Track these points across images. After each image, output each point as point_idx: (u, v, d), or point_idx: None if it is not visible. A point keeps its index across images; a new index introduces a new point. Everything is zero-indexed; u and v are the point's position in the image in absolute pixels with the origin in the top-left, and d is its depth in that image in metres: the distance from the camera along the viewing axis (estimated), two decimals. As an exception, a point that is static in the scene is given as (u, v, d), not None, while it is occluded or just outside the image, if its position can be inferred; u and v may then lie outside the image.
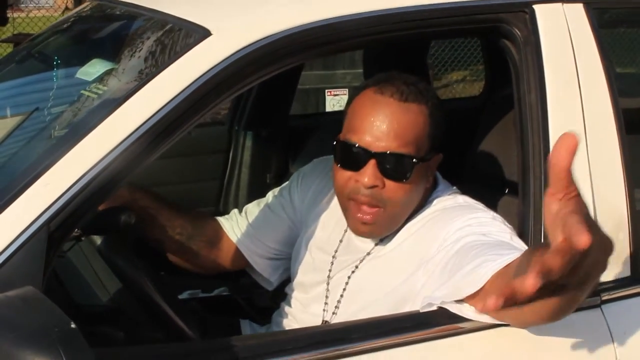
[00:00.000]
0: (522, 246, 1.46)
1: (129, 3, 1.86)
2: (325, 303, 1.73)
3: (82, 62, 1.73)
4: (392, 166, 1.56)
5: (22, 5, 10.74)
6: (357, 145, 1.57)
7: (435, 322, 1.44)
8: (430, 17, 1.57)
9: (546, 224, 1.00)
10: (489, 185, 2.01)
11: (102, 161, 1.29)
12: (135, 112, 1.34)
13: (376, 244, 1.68)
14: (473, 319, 1.41)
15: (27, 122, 1.77)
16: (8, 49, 6.37)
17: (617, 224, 1.57)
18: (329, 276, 1.73)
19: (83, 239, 1.69)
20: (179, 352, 1.42)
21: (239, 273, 2.04)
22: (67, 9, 8.75)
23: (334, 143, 1.62)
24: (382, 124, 1.56)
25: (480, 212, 1.60)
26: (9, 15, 6.60)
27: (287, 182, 1.97)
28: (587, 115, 1.58)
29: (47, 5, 11.55)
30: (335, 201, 1.72)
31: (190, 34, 1.49)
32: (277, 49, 1.43)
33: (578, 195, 0.99)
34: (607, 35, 1.89)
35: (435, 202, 1.67)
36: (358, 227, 1.63)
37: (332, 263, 1.74)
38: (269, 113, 2.82)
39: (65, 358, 1.04)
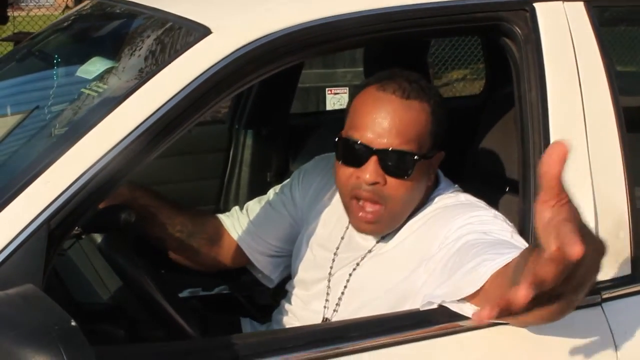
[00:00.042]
0: (523, 244, 1.46)
1: (129, 1, 1.86)
2: (326, 300, 1.73)
3: (83, 60, 1.73)
4: (394, 163, 1.57)
5: (23, 4, 10.73)
6: (358, 142, 1.58)
7: (436, 320, 1.44)
8: (430, 15, 1.57)
9: (538, 231, 0.99)
10: (489, 184, 2.01)
11: (102, 159, 1.29)
12: (136, 111, 1.34)
13: (378, 242, 1.68)
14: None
15: (27, 120, 1.77)
16: (8, 47, 6.36)
17: (617, 222, 1.57)
18: (330, 273, 1.74)
19: (83, 237, 1.70)
20: (179, 350, 1.41)
21: (240, 271, 2.04)
22: (67, 7, 8.74)
23: (336, 140, 1.62)
24: (384, 120, 1.56)
25: (481, 210, 1.60)
26: (9, 14, 6.59)
27: (288, 180, 1.97)
28: (587, 113, 1.58)
29: (47, 4, 11.54)
30: (336, 198, 1.72)
31: (190, 33, 1.49)
32: (277, 47, 1.43)
33: (570, 202, 0.99)
34: (608, 33, 1.89)
35: (436, 200, 1.67)
36: (360, 225, 1.63)
37: (333, 260, 1.74)
38: (270, 111, 2.82)
39: (65, 356, 1.04)
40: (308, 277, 1.79)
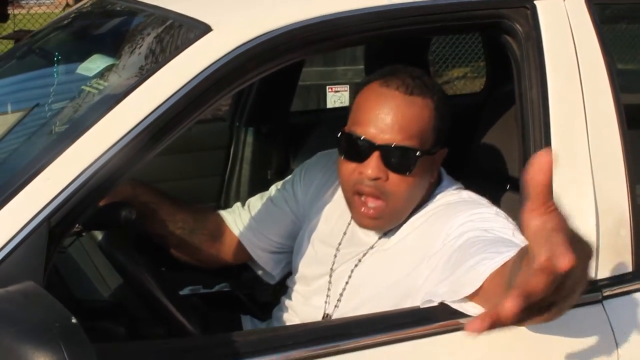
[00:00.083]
0: (524, 242, 1.45)
1: (130, -1, 1.86)
2: (327, 295, 1.73)
3: (83, 58, 1.72)
4: (396, 159, 1.57)
5: (23, 2, 10.72)
6: (361, 138, 1.58)
7: (436, 318, 1.44)
8: (430, 12, 1.57)
9: (527, 240, 0.98)
10: (490, 182, 2.01)
11: (102, 157, 1.29)
12: (136, 108, 1.34)
13: (380, 238, 1.68)
14: (474, 315, 1.40)
15: (27, 117, 1.77)
16: (9, 45, 6.36)
17: (618, 220, 1.57)
18: (331, 269, 1.74)
19: (84, 234, 1.70)
20: (179, 347, 1.41)
21: (241, 268, 2.04)
22: (67, 5, 8.75)
23: (339, 135, 1.62)
24: (387, 116, 1.56)
25: (483, 207, 1.60)
26: (9, 11, 6.59)
27: (290, 176, 1.97)
28: (588, 110, 1.58)
29: (47, 1, 11.53)
30: (338, 194, 1.72)
31: (190, 30, 1.49)
32: (278, 44, 1.43)
33: (556, 210, 0.97)
34: (609, 31, 1.88)
35: (439, 197, 1.67)
36: (362, 220, 1.64)
37: (335, 256, 1.74)
38: (270, 109, 2.82)
39: (66, 353, 1.04)
40: (309, 273, 1.79)
